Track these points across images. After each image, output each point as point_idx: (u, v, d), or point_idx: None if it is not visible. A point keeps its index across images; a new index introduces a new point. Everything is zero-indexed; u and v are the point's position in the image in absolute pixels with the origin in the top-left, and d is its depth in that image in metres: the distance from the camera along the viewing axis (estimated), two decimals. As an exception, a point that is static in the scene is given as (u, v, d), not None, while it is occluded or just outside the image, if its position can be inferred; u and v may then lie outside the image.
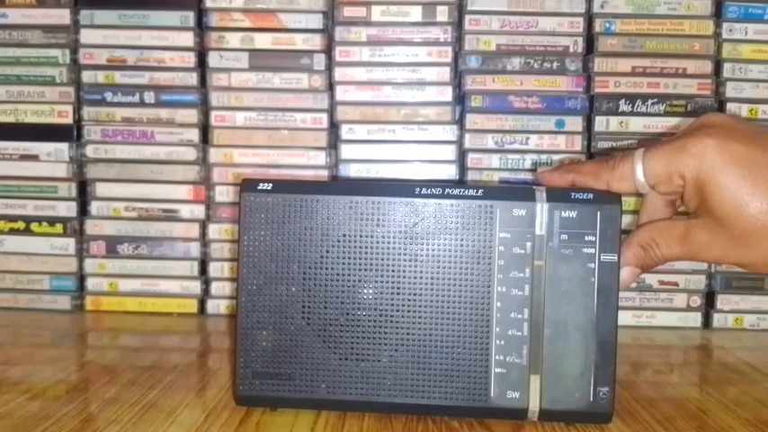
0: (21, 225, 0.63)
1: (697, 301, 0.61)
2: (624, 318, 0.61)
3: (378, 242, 0.37)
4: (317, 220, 0.37)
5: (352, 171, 0.62)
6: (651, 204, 0.38)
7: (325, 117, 0.62)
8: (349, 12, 0.61)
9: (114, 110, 0.63)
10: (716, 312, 0.61)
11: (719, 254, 0.35)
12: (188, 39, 0.62)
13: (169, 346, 0.54)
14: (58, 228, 0.63)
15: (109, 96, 0.63)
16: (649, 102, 0.60)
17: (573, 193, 0.37)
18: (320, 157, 0.62)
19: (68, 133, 0.63)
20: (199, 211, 0.63)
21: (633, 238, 0.37)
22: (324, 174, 0.62)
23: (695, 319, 0.61)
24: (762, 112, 0.61)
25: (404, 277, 0.37)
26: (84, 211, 0.63)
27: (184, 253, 0.63)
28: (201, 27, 0.62)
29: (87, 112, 0.63)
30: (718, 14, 0.60)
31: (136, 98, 0.62)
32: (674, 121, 0.61)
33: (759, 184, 0.33)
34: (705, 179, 0.34)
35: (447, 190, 0.37)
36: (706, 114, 0.36)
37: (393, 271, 0.37)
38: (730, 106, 0.61)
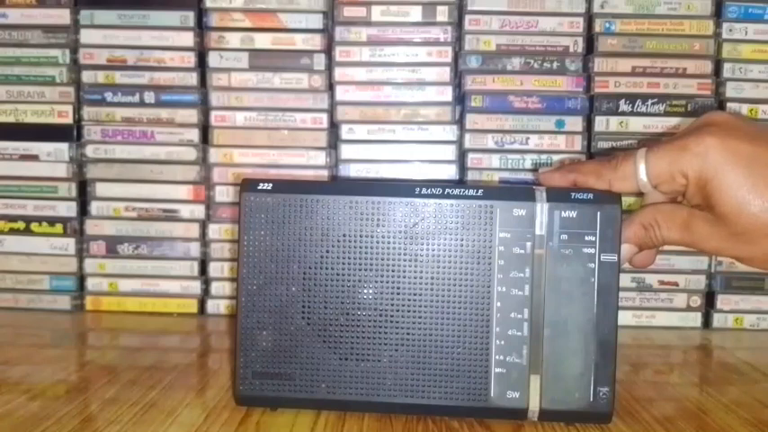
0: (21, 225, 0.63)
1: (697, 301, 0.61)
2: (624, 318, 0.61)
3: (378, 242, 0.37)
4: (316, 220, 0.37)
5: (352, 171, 0.62)
6: (652, 198, 0.38)
7: (325, 117, 0.62)
8: (349, 12, 0.61)
9: (114, 110, 0.63)
10: (716, 312, 0.61)
11: (718, 246, 0.35)
12: (188, 39, 0.62)
13: (169, 346, 0.54)
14: (58, 228, 0.63)
15: (109, 96, 0.63)
16: (649, 102, 0.60)
17: (573, 193, 0.37)
18: (320, 157, 0.62)
19: (68, 133, 0.63)
20: (199, 211, 0.63)
21: (636, 217, 0.37)
22: (324, 174, 0.62)
23: (695, 319, 0.61)
24: (762, 112, 0.61)
25: (404, 277, 0.37)
26: (84, 211, 0.63)
27: (184, 253, 0.63)
28: (201, 27, 0.62)
29: (87, 112, 0.63)
30: (718, 14, 0.60)
31: (136, 98, 0.62)
32: (674, 121, 0.60)
33: (760, 183, 0.33)
34: (707, 178, 0.34)
35: (447, 190, 0.37)
36: (708, 113, 0.37)
37: (393, 271, 0.37)
38: (730, 106, 0.61)
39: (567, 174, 0.38)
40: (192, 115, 0.62)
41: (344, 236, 0.37)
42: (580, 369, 0.36)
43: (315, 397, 0.38)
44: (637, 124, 0.61)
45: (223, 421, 0.37)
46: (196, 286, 0.63)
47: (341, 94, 0.62)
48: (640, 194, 0.38)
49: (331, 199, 0.37)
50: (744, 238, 0.34)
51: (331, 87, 0.62)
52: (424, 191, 0.37)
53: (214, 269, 0.63)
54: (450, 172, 0.62)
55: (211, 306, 0.63)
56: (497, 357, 0.37)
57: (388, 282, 0.37)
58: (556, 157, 0.61)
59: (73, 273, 0.63)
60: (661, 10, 0.60)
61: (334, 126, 0.63)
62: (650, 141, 0.36)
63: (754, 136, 0.34)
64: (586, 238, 0.36)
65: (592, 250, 0.36)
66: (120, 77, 0.62)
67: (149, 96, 0.62)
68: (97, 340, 0.57)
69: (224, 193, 0.63)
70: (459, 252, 0.37)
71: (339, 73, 0.62)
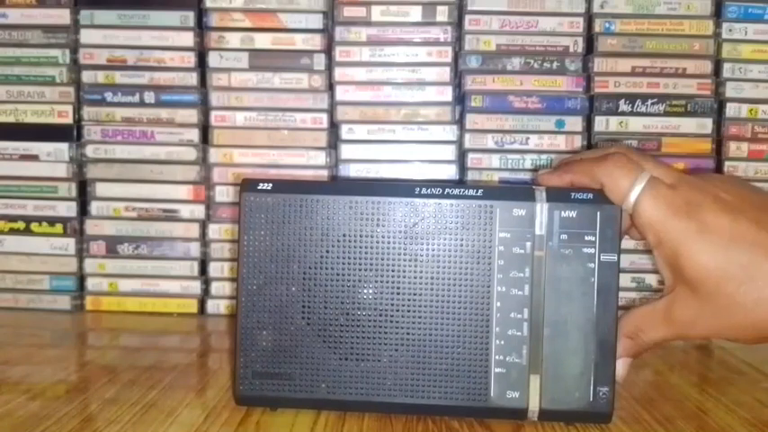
0: (21, 225, 0.63)
1: (697, 301, 0.61)
2: (624, 318, 0.60)
3: (378, 242, 0.37)
4: (316, 220, 0.37)
5: (352, 171, 0.62)
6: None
7: (325, 117, 0.62)
8: (349, 12, 0.61)
9: (114, 110, 0.63)
10: (716, 312, 0.61)
11: (705, 329, 0.35)
12: (188, 39, 0.62)
13: (169, 346, 0.54)
14: (58, 228, 0.63)
15: (109, 96, 0.63)
16: (649, 102, 0.60)
17: (573, 193, 0.37)
18: (320, 157, 0.62)
19: (68, 133, 0.63)
20: (199, 211, 0.63)
21: (619, 331, 0.37)
22: (324, 174, 0.62)
23: (695, 319, 0.61)
24: (762, 112, 0.61)
25: (404, 277, 0.37)
26: (84, 211, 0.63)
27: (184, 253, 0.63)
28: (201, 27, 0.62)
29: (87, 112, 0.63)
30: (718, 14, 0.60)
31: (136, 98, 0.62)
32: (673, 121, 0.61)
33: (735, 262, 0.33)
34: (681, 254, 0.34)
35: (447, 190, 0.37)
36: (710, 177, 0.36)
37: (393, 271, 0.37)
38: (730, 106, 0.61)
39: (564, 174, 0.38)
40: (192, 115, 0.62)
41: (344, 236, 0.37)
42: (580, 369, 0.36)
43: (315, 397, 0.38)
44: (636, 124, 0.61)
45: (223, 421, 0.37)
46: (196, 286, 0.63)
47: (341, 94, 0.62)
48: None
49: (331, 199, 0.37)
50: (726, 314, 0.33)
51: (331, 87, 0.62)
52: (423, 191, 0.37)
53: (214, 269, 0.63)
54: (450, 172, 0.62)
55: (211, 306, 0.63)
56: (497, 357, 0.37)
57: (388, 282, 0.37)
58: (556, 157, 0.61)
59: (73, 273, 0.63)
60: (661, 10, 0.60)
61: (334, 126, 0.63)
62: (656, 163, 0.35)
63: (740, 208, 0.33)
64: (586, 237, 0.36)
65: (592, 250, 0.36)
66: (120, 77, 0.62)
67: (149, 96, 0.62)
68: (97, 340, 0.57)
69: (224, 193, 0.63)
70: (458, 252, 0.37)
71: (339, 73, 0.62)
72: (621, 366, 0.37)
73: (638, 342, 0.37)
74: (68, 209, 0.63)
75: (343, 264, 0.37)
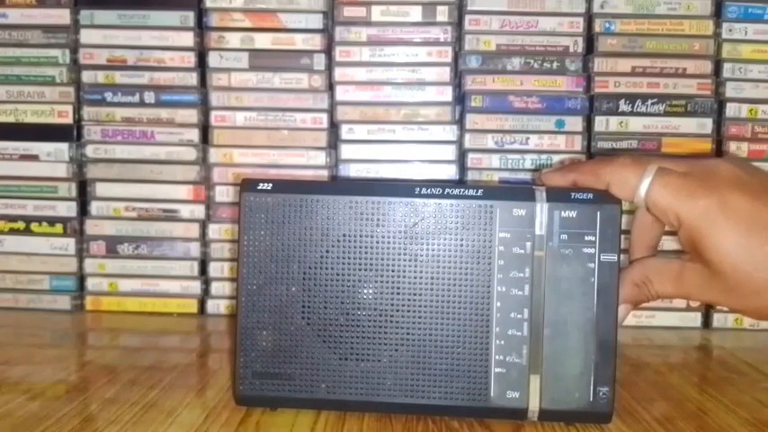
0: (21, 225, 0.63)
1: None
2: (624, 318, 0.60)
3: (378, 242, 0.37)
4: (316, 220, 0.37)
5: (352, 171, 0.62)
6: (642, 218, 0.38)
7: (325, 117, 0.62)
8: (349, 12, 0.61)
9: (114, 110, 0.63)
10: (716, 312, 0.61)
11: (712, 299, 0.36)
12: (188, 39, 0.62)
13: (169, 346, 0.54)
14: (58, 228, 0.63)
15: (109, 96, 0.63)
16: (649, 102, 0.60)
17: (573, 193, 0.37)
18: (320, 157, 0.62)
19: (68, 133, 0.63)
20: (199, 211, 0.63)
21: (627, 276, 0.38)
22: (324, 174, 0.62)
23: (695, 319, 0.61)
24: (762, 112, 0.61)
25: (404, 277, 0.37)
26: (84, 211, 0.63)
27: (184, 253, 0.63)
28: (201, 27, 0.62)
29: (87, 112, 0.63)
30: (718, 14, 0.60)
31: (136, 98, 0.62)
32: (673, 121, 0.60)
33: (754, 243, 0.33)
34: (702, 233, 0.34)
35: (447, 190, 0.37)
36: (717, 161, 0.36)
37: (393, 271, 0.37)
38: (730, 106, 0.61)
39: (567, 173, 0.38)
40: (192, 115, 0.62)
41: (344, 236, 0.37)
42: (580, 369, 0.36)
43: (315, 397, 0.38)
44: (637, 124, 0.61)
45: (223, 421, 0.37)
46: (196, 286, 0.63)
47: (341, 94, 0.62)
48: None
49: (331, 199, 0.37)
50: (736, 292, 0.34)
51: (331, 87, 0.62)
52: (424, 191, 0.37)
53: (214, 269, 0.63)
54: (450, 172, 0.62)
55: (211, 306, 0.63)
56: (497, 357, 0.37)
57: (388, 282, 0.37)
58: (556, 157, 0.61)
59: (73, 273, 0.63)
60: (661, 10, 0.60)
61: (334, 126, 0.63)
62: (663, 159, 0.35)
63: (758, 191, 0.34)
64: (586, 237, 0.36)
65: (592, 250, 0.36)
66: (120, 77, 0.62)
67: (149, 96, 0.62)
68: (97, 340, 0.57)
69: (224, 193, 0.63)
70: (458, 252, 0.37)
71: (339, 73, 0.62)
72: (622, 311, 0.37)
73: (644, 291, 0.37)
74: (68, 209, 0.63)
75: (343, 264, 0.37)
